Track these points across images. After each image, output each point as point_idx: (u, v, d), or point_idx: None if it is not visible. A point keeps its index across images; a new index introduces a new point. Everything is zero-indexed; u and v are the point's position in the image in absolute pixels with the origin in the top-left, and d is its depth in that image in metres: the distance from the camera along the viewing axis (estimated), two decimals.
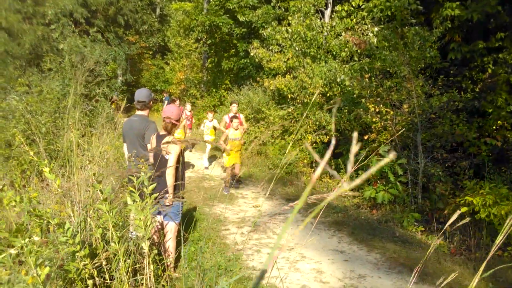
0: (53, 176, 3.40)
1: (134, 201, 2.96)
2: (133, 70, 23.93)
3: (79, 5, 17.79)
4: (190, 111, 10.31)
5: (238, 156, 7.28)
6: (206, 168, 9.38)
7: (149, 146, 4.11)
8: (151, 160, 3.99)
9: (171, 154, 3.67)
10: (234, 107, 7.87)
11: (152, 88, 22.27)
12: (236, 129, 7.21)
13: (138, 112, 4.42)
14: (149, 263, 2.99)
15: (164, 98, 17.89)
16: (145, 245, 2.95)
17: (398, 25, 6.46)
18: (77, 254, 2.73)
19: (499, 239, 1.26)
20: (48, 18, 14.79)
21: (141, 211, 2.91)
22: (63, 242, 2.74)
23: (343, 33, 9.38)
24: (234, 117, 7.29)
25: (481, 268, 1.28)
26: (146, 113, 4.39)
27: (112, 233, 2.96)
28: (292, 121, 9.09)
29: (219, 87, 15.60)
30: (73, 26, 15.36)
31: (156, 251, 3.12)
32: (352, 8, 9.90)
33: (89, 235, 3.13)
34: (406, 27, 6.60)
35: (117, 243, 2.88)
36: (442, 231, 1.90)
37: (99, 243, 2.96)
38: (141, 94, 4.39)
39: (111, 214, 2.96)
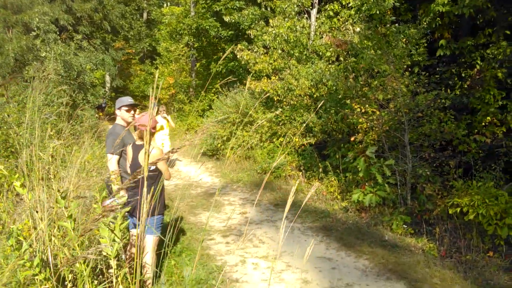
0: (25, 191, 3.22)
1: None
2: (122, 75, 23.69)
3: (64, 12, 17.49)
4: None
5: None
6: None
7: (108, 156, 3.91)
8: (129, 171, 3.79)
9: (160, 163, 3.47)
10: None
11: (140, 94, 22.02)
12: None
13: None
14: (118, 283, 2.82)
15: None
16: (113, 263, 2.79)
17: (377, 24, 6.32)
18: (36, 277, 2.56)
19: None
20: (35, 26, 14.43)
21: (107, 227, 2.73)
22: (21, 265, 2.57)
23: (324, 35, 9.24)
24: None
25: None
26: (119, 120, 4.20)
27: (78, 252, 2.79)
28: (280, 124, 8.92)
29: (209, 91, 15.39)
30: (57, 33, 15.04)
31: (126, 270, 2.93)
32: (339, 8, 9.77)
33: (54, 256, 2.94)
34: (387, 25, 6.46)
35: (82, 264, 2.72)
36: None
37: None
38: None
39: (76, 232, 2.79)
